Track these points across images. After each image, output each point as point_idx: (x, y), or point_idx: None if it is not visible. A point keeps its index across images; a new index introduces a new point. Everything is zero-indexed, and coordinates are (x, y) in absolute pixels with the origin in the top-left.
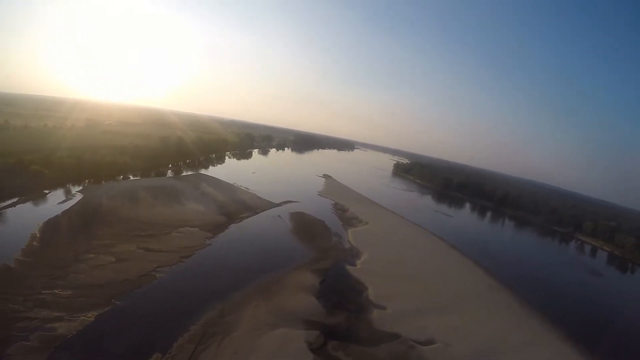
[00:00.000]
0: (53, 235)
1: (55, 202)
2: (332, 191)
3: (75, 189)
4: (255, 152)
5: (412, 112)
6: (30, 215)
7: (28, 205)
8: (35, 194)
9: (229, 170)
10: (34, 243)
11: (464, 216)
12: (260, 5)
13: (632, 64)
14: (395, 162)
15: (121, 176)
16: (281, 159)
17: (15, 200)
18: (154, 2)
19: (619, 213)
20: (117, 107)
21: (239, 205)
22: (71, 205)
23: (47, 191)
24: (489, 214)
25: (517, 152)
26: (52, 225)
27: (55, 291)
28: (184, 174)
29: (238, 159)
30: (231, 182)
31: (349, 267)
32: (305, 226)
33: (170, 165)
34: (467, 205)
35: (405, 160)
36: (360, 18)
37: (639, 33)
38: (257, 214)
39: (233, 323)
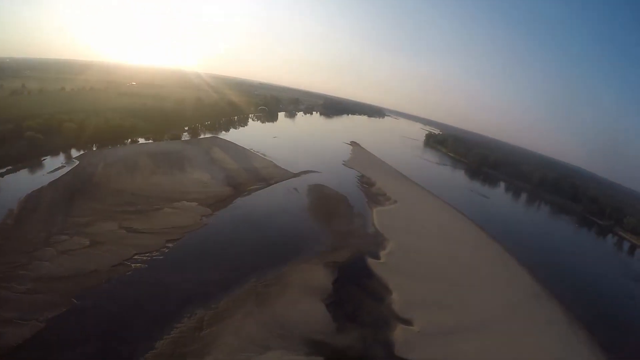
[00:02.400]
0: (31, 212)
1: (46, 172)
2: (358, 161)
3: (74, 156)
4: (281, 115)
5: (447, 84)
6: (17, 187)
7: (19, 174)
8: (30, 162)
9: (249, 133)
10: (8, 221)
11: (501, 198)
12: None
13: None
14: (427, 132)
15: (128, 140)
16: (307, 123)
17: (4, 170)
18: None
19: None
20: (146, 70)
21: (250, 175)
22: (61, 175)
23: (44, 159)
24: (525, 196)
25: (557, 133)
26: (33, 199)
27: (13, 284)
28: (201, 137)
29: (262, 122)
30: (247, 148)
31: (371, 261)
32: (324, 203)
33: (186, 128)
34: (503, 186)
35: (437, 131)
36: None
37: None
38: (269, 185)
39: (211, 341)
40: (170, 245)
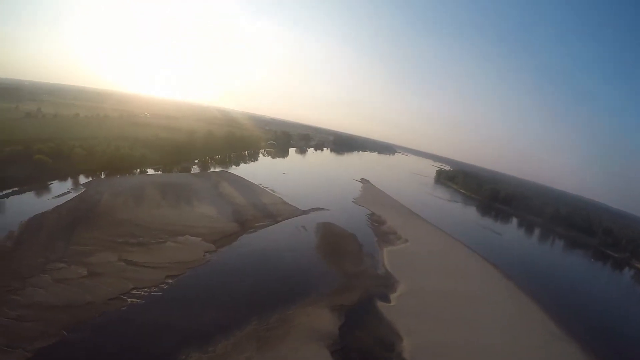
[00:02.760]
0: (31, 236)
1: (52, 196)
2: (368, 198)
3: (81, 182)
4: (292, 151)
5: (457, 120)
6: (21, 209)
7: (24, 197)
8: (36, 186)
9: (259, 169)
10: (7, 243)
11: (514, 235)
12: (302, 7)
13: None
14: (437, 169)
15: (137, 170)
16: (317, 160)
17: (10, 191)
18: (213, 5)
19: None
20: (162, 102)
21: (258, 211)
22: (66, 200)
23: (50, 183)
24: (538, 232)
25: (563, 166)
26: (35, 223)
27: (4, 309)
28: (211, 170)
29: (273, 157)
30: (256, 183)
31: (381, 304)
32: (333, 241)
33: (196, 161)
34: (515, 221)
35: (447, 167)
36: (402, 21)
37: None
38: (277, 222)
39: None
40: (170, 281)
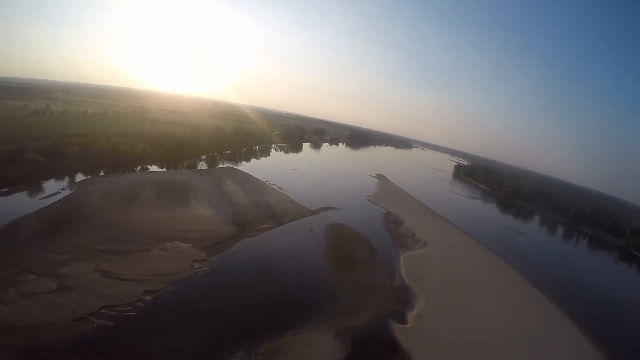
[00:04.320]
0: (8, 242)
1: (41, 197)
2: (384, 196)
3: (76, 181)
4: (305, 145)
5: (475, 114)
6: (6, 211)
7: (12, 198)
8: (28, 185)
9: (269, 164)
10: None
11: (538, 235)
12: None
13: None
14: (455, 163)
15: (138, 167)
16: (331, 155)
17: None
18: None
19: None
20: (177, 98)
21: (261, 212)
22: (52, 202)
23: (43, 182)
24: (563, 231)
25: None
26: (15, 227)
27: None
28: (214, 167)
29: (286, 152)
30: (264, 180)
31: (395, 327)
32: (343, 247)
33: (203, 157)
34: (537, 219)
35: (464, 162)
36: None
37: None
38: (282, 224)
39: None
40: (147, 298)
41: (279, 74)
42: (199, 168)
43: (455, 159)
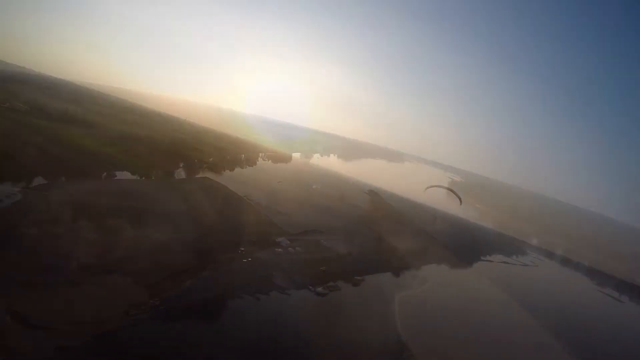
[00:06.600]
0: None
1: None
2: (377, 216)
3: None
4: (295, 155)
5: (467, 128)
6: None
7: None
8: None
9: (251, 175)
10: None
11: (548, 267)
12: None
13: None
14: (449, 179)
15: (105, 173)
16: (321, 167)
17: None
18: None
19: None
20: (179, 102)
21: (231, 235)
22: None
23: None
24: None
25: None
26: None
27: None
28: (186, 177)
29: (274, 162)
30: (242, 195)
31: None
32: (326, 287)
33: (181, 165)
34: (536, 242)
35: (458, 178)
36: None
37: None
38: (251, 253)
39: None
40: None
41: (275, 83)
42: (177, 177)
43: (448, 174)
